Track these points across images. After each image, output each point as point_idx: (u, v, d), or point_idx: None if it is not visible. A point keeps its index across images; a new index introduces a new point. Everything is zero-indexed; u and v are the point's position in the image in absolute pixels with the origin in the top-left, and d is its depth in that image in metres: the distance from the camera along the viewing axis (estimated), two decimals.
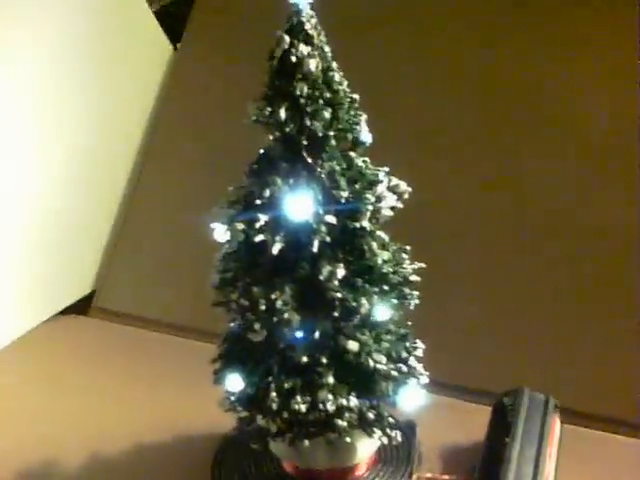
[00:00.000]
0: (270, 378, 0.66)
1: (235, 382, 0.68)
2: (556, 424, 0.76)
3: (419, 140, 0.99)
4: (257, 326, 0.64)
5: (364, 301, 0.64)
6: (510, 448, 0.70)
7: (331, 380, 0.66)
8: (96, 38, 1.09)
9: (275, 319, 0.63)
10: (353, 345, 0.66)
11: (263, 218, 0.63)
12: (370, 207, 0.64)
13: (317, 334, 0.65)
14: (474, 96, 1.00)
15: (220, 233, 0.67)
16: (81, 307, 1.11)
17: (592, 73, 0.96)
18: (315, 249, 0.63)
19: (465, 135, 0.98)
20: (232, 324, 0.71)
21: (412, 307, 0.69)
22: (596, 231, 0.89)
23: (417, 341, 0.71)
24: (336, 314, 0.64)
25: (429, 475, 0.75)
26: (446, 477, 0.74)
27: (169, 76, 1.19)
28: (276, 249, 0.63)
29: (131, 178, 1.16)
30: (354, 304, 0.64)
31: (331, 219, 0.63)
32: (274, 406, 0.66)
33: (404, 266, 0.67)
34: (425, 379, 0.70)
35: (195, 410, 0.87)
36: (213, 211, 0.65)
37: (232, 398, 0.69)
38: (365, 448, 0.73)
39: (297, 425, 0.67)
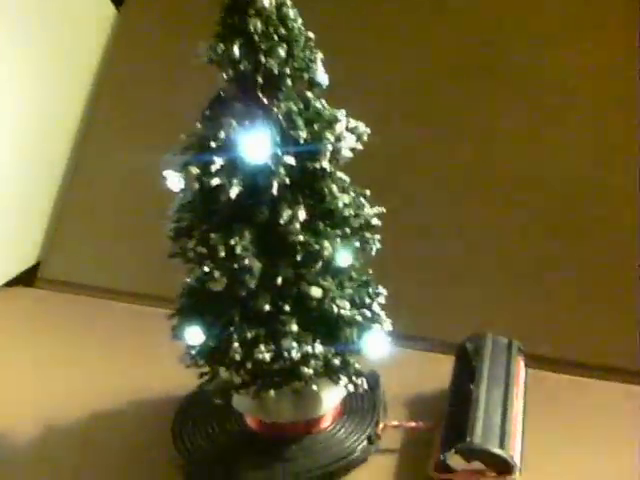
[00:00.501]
0: (232, 328, 0.63)
1: (195, 335, 0.65)
2: (521, 367, 0.75)
3: (388, 99, 0.97)
4: (217, 274, 0.61)
5: (327, 244, 0.62)
6: (476, 391, 0.69)
7: (295, 328, 0.64)
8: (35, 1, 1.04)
9: (235, 266, 0.61)
10: (316, 291, 0.64)
11: (218, 161, 0.60)
12: (329, 147, 0.62)
13: (279, 281, 0.63)
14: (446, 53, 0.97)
15: (173, 181, 0.64)
16: (27, 278, 1.07)
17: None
18: (275, 191, 0.61)
19: (434, 92, 0.96)
20: (189, 279, 0.69)
21: (373, 253, 0.67)
22: (560, 183, 0.88)
23: (379, 287, 0.69)
24: (298, 259, 0.62)
25: (396, 423, 0.73)
26: (413, 424, 0.73)
27: (112, 38, 1.15)
28: (233, 193, 0.60)
29: (75, 144, 1.12)
30: (316, 248, 0.61)
31: (290, 160, 0.61)
32: (237, 357, 0.63)
33: (365, 210, 0.66)
34: (389, 325, 0.69)
35: (151, 374, 0.84)
36: (165, 159, 0.62)
37: (193, 352, 0.66)
38: (330, 398, 0.71)
39: (261, 376, 0.65)
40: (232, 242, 0.60)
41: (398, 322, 0.70)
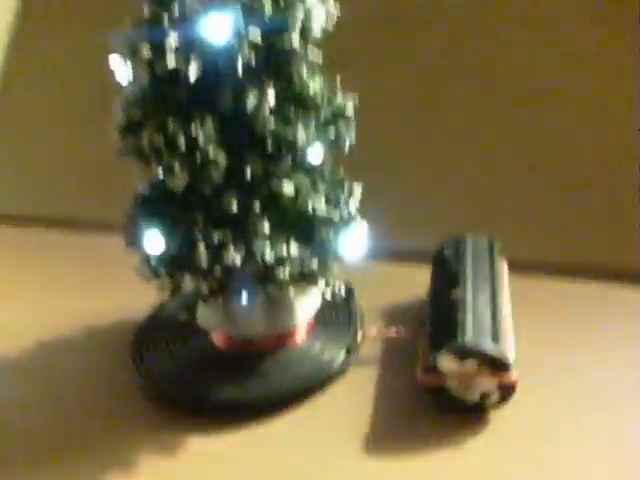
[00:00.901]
0: (196, 232, 0.57)
1: (155, 242, 0.58)
2: (504, 267, 0.71)
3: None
4: (177, 169, 0.54)
5: (300, 133, 0.55)
6: (463, 292, 0.65)
7: (267, 229, 0.57)
8: None
9: (198, 159, 0.54)
10: (289, 188, 0.58)
11: (174, 40, 0.53)
12: (298, 24, 0.55)
13: (248, 176, 0.56)
14: None
15: (120, 70, 0.56)
16: None
17: None
18: (239, 72, 0.54)
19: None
20: (140, 188, 0.62)
21: (347, 148, 0.61)
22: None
23: (354, 186, 0.63)
24: (269, 150, 0.55)
25: (375, 332, 0.68)
26: (393, 331, 0.68)
27: None
28: (192, 77, 0.53)
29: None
30: (289, 137, 0.55)
31: (255, 38, 0.54)
32: (204, 263, 0.57)
33: (337, 99, 0.59)
34: (365, 226, 0.63)
35: (103, 301, 0.77)
36: (111, 38, 0.55)
37: (152, 263, 0.60)
38: (305, 308, 0.65)
39: (232, 283, 0.59)
40: (193, 131, 0.53)
41: (371, 229, 0.64)
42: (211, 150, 0.53)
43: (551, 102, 0.81)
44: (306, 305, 0.65)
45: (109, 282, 0.79)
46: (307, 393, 0.64)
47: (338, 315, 0.70)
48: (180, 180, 0.55)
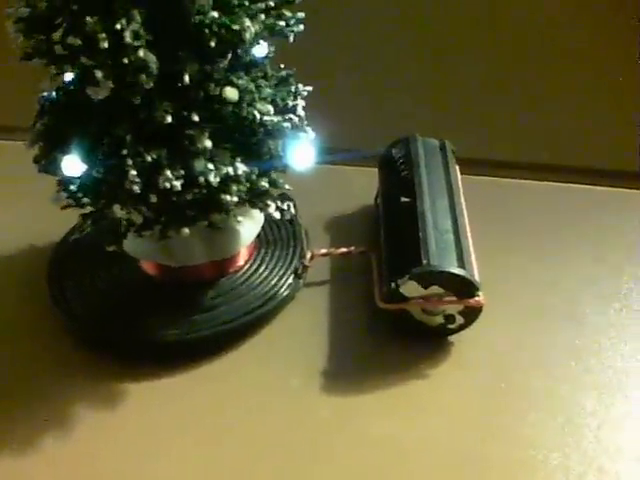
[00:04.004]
0: (124, 151, 0.45)
1: (72, 164, 0.47)
2: (458, 171, 0.63)
3: None
4: (99, 75, 0.42)
5: (248, 23, 0.44)
6: (421, 204, 0.57)
7: (208, 144, 0.47)
8: None
9: (124, 60, 0.42)
10: (232, 92, 0.47)
11: None
12: None
13: (186, 80, 0.45)
14: None
15: None
16: None
17: None
18: None
19: None
20: (47, 92, 0.49)
21: (291, 39, 0.50)
22: None
23: (301, 85, 0.53)
24: (211, 44, 0.44)
25: (324, 251, 0.60)
26: (344, 249, 0.60)
27: None
28: None
29: None
30: (235, 27, 0.44)
31: None
32: (136, 188, 0.46)
33: None
34: (312, 133, 0.54)
35: (8, 219, 0.65)
36: None
37: (72, 188, 0.48)
38: (247, 231, 0.56)
39: (170, 210, 0.48)
40: (118, 27, 0.41)
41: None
42: (140, 50, 0.42)
43: None
44: (249, 226, 0.56)
45: (15, 196, 0.66)
46: (255, 324, 0.55)
47: (281, 233, 0.61)
48: (103, 88, 0.43)
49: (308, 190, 0.61)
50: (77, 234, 0.57)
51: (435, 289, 0.52)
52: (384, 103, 0.71)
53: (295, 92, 0.52)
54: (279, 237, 0.60)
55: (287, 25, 0.48)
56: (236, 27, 0.43)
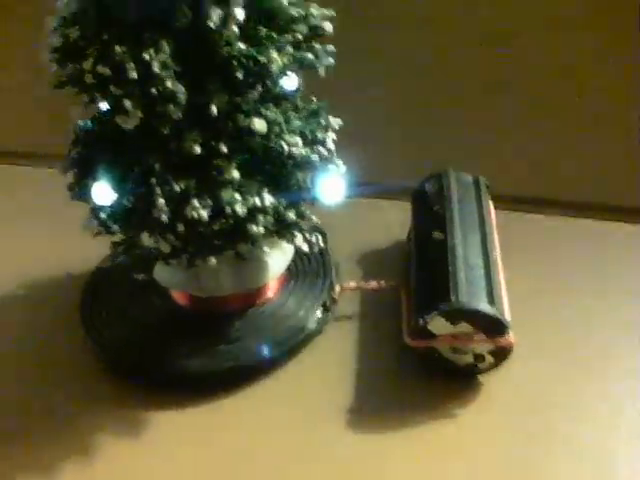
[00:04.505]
0: (153, 180, 0.46)
1: (104, 193, 0.47)
2: (491, 206, 0.62)
3: None
4: (128, 105, 0.43)
5: (275, 56, 0.44)
6: (451, 239, 0.56)
7: (236, 175, 0.47)
8: None
9: (153, 91, 0.43)
10: (260, 124, 0.47)
11: None
12: None
13: (213, 111, 0.45)
14: None
15: None
16: None
17: None
18: None
19: None
20: (81, 121, 0.50)
21: (323, 72, 0.50)
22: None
23: (331, 117, 0.53)
24: (238, 76, 0.44)
25: (353, 284, 0.60)
26: (374, 284, 0.59)
27: None
28: None
29: None
30: (262, 59, 0.44)
31: None
32: (164, 217, 0.46)
33: (313, 12, 0.48)
34: (343, 166, 0.54)
35: (48, 245, 0.65)
36: None
37: (102, 216, 0.49)
38: (277, 262, 0.56)
39: (197, 240, 0.48)
40: (146, 57, 0.42)
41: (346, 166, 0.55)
42: (169, 80, 0.42)
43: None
44: (278, 258, 0.56)
45: (52, 223, 0.66)
46: (281, 357, 0.54)
47: (311, 265, 0.60)
48: (132, 118, 0.44)
49: (340, 223, 0.61)
50: (110, 262, 0.58)
51: (465, 327, 0.51)
52: (418, 136, 0.71)
53: (325, 125, 0.52)
54: (309, 269, 0.60)
55: (317, 58, 0.48)
56: (263, 59, 0.43)
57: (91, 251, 0.58)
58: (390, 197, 0.68)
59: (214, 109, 0.44)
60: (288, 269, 0.59)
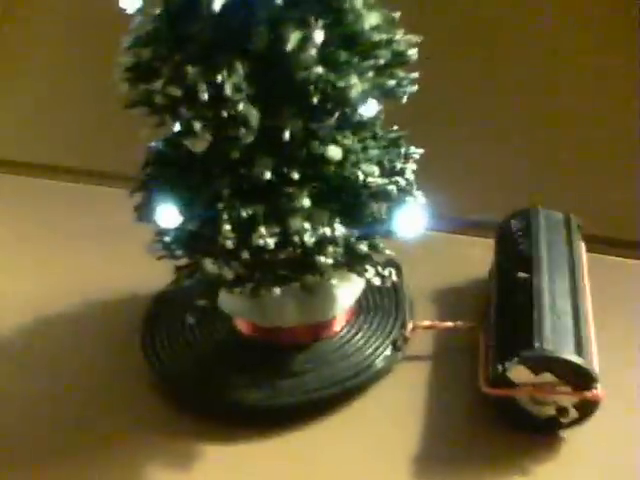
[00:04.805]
0: (220, 205, 0.44)
1: (169, 215, 0.45)
2: (583, 248, 0.58)
3: None
4: (198, 127, 0.41)
5: (354, 81, 0.42)
6: (537, 280, 0.52)
7: (307, 203, 0.45)
8: None
9: (224, 114, 0.41)
10: (335, 152, 0.45)
11: None
12: None
13: (286, 136, 0.43)
14: None
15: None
16: None
17: None
18: (277, 2, 0.40)
19: None
20: (155, 142, 0.49)
21: (404, 99, 0.48)
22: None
23: (412, 148, 0.50)
24: (314, 101, 0.42)
25: (427, 323, 0.56)
26: (450, 324, 0.56)
27: None
28: (217, 5, 0.40)
29: None
30: (341, 84, 0.42)
31: None
32: (229, 244, 0.44)
33: (396, 37, 0.46)
34: (423, 198, 0.51)
35: (110, 268, 0.65)
36: None
37: (167, 239, 0.47)
38: (345, 295, 0.53)
39: (262, 268, 0.46)
40: (218, 78, 0.40)
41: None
42: (241, 103, 0.41)
43: None
44: (347, 291, 0.53)
45: (119, 245, 0.66)
46: (345, 395, 0.51)
47: (383, 301, 0.57)
48: (201, 140, 0.42)
49: (417, 257, 0.58)
50: (173, 287, 0.56)
51: (548, 377, 0.47)
52: (505, 170, 0.67)
53: (405, 154, 0.49)
54: (380, 305, 0.57)
55: (399, 86, 0.46)
56: (341, 84, 0.41)
57: (156, 275, 0.57)
58: (472, 233, 0.64)
59: (287, 134, 0.42)
60: (358, 303, 0.56)
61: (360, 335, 0.55)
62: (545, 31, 0.67)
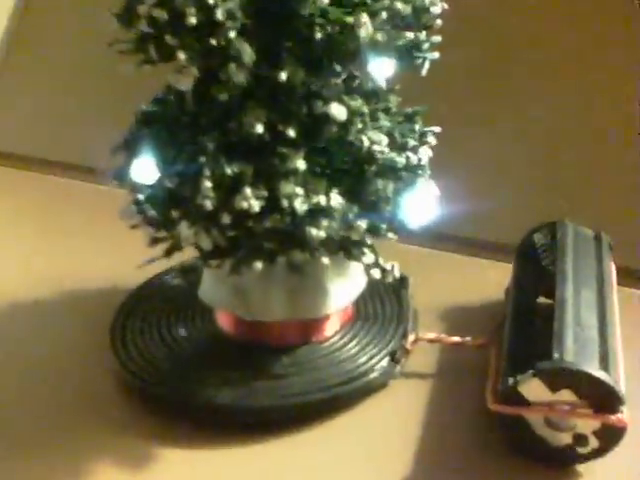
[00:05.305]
0: (202, 159, 0.39)
1: (145, 170, 0.41)
2: (613, 268, 0.52)
3: None
4: (183, 57, 0.36)
5: (365, 19, 0.37)
6: (561, 290, 0.45)
7: (302, 166, 0.39)
8: None
9: (213, 42, 0.36)
10: (339, 110, 0.39)
11: None
12: None
13: (282, 77, 0.38)
14: None
15: None
16: None
17: None
18: None
19: None
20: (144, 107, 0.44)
21: (424, 70, 0.43)
22: None
23: (428, 129, 0.45)
24: (318, 37, 0.37)
25: (432, 336, 0.50)
26: (457, 339, 0.50)
27: None
28: None
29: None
30: (349, 21, 0.37)
31: None
32: (208, 204, 0.39)
33: None
34: (436, 188, 0.45)
35: (91, 260, 0.60)
36: None
37: (140, 197, 0.42)
38: (341, 293, 0.47)
39: (244, 237, 0.41)
40: (210, 1, 0.36)
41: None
42: (232, 32, 0.36)
43: None
44: (343, 288, 0.47)
45: (103, 240, 0.62)
46: (330, 405, 0.45)
47: (384, 309, 0.51)
48: (187, 76, 0.37)
49: (427, 274, 0.54)
50: (154, 278, 0.51)
51: (567, 395, 0.40)
52: (530, 183, 0.61)
53: (421, 133, 0.44)
54: (381, 313, 0.51)
55: (418, 48, 0.41)
56: (349, 20, 0.36)
57: (137, 271, 0.52)
58: (488, 256, 0.58)
59: (285, 80, 0.37)
60: (355, 309, 0.50)
61: (354, 343, 0.48)
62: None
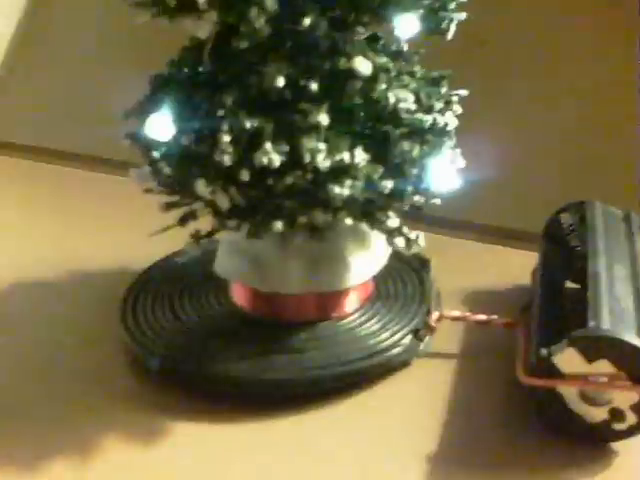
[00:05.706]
0: (220, 112, 0.38)
1: (161, 126, 0.39)
2: None
3: None
4: (203, 5, 0.35)
5: None
6: (594, 264, 0.43)
7: (324, 120, 0.38)
8: None
9: None
10: (364, 65, 0.38)
11: None
12: None
13: (307, 22, 0.36)
14: None
15: None
16: None
17: None
18: None
19: None
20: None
21: (450, 34, 0.41)
22: None
23: (454, 93, 0.43)
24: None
25: (457, 314, 0.48)
26: (483, 317, 0.47)
27: None
28: None
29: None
30: None
31: None
32: (226, 159, 0.37)
33: None
34: (462, 160, 0.43)
35: (104, 244, 0.59)
36: None
37: (155, 155, 0.40)
38: (361, 265, 0.45)
39: (263, 196, 0.39)
40: None
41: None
42: None
43: None
44: (365, 259, 0.45)
45: (120, 223, 0.61)
46: (353, 381, 0.43)
47: (406, 288, 0.49)
48: (206, 23, 0.36)
49: (451, 258, 0.53)
50: (169, 257, 0.50)
51: (603, 366, 0.38)
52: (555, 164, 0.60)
53: (447, 97, 0.42)
54: (402, 292, 0.49)
55: (443, 7, 0.40)
56: None
57: (148, 253, 0.52)
58: (514, 245, 0.57)
59: (307, 21, 0.36)
60: (379, 284, 0.48)
61: (376, 320, 0.46)
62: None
